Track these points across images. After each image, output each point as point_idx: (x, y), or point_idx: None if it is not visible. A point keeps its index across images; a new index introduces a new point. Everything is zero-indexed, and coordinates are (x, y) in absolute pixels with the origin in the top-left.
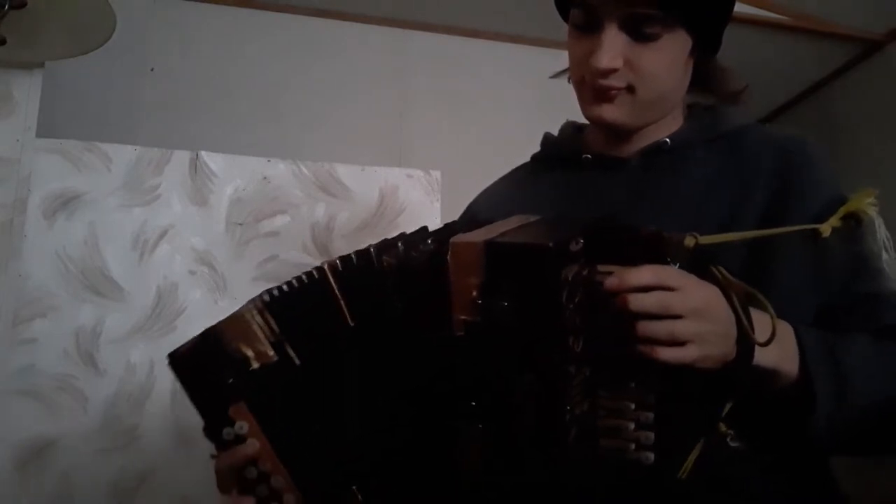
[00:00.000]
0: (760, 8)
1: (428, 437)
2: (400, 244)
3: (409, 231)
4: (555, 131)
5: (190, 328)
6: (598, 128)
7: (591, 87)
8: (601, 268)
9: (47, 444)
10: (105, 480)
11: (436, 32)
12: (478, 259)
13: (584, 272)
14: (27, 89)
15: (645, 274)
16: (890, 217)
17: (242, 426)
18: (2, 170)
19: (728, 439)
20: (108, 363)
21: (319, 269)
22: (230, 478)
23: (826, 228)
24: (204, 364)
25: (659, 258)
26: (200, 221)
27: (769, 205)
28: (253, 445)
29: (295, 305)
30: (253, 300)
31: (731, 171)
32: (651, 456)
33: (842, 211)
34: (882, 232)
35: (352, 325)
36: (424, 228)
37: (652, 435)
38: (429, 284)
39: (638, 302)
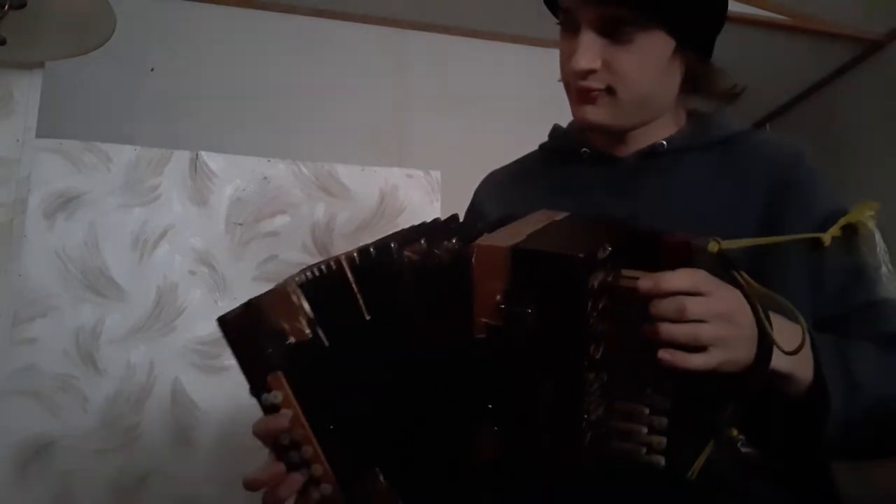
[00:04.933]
0: (760, 8)
1: (445, 433)
2: (423, 241)
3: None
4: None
5: (190, 328)
6: (586, 129)
7: (574, 89)
8: (625, 272)
9: (47, 444)
10: (105, 480)
11: (435, 32)
12: (504, 264)
13: (609, 278)
14: (27, 89)
15: (678, 279)
16: (890, 216)
17: (277, 395)
18: (2, 170)
19: (738, 444)
20: (108, 363)
21: (336, 260)
22: (267, 440)
23: (827, 238)
24: (247, 332)
25: (685, 264)
26: (200, 221)
27: (768, 211)
28: (286, 416)
29: (321, 290)
30: (291, 278)
31: (726, 176)
32: (662, 460)
33: (842, 221)
34: (881, 245)
35: (368, 318)
36: (453, 218)
37: (664, 440)
38: (451, 284)
39: (662, 306)
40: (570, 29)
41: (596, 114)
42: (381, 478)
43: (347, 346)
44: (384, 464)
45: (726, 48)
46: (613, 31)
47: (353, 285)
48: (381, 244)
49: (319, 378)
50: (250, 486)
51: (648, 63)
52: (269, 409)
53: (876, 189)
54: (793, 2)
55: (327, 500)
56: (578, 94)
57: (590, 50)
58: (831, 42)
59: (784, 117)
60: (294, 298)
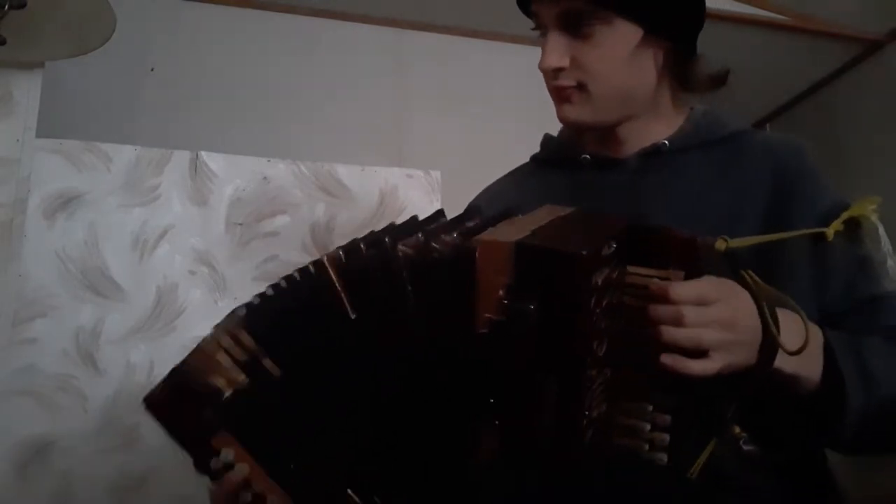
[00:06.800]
0: (760, 8)
1: (440, 430)
2: (420, 235)
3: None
4: (554, 132)
5: (190, 328)
6: (572, 129)
7: (550, 89)
8: (631, 269)
9: (47, 444)
10: (105, 480)
11: (435, 32)
12: (507, 259)
13: (614, 275)
14: (27, 89)
15: (685, 291)
16: (891, 216)
17: (228, 454)
18: (2, 170)
19: (741, 442)
20: (108, 363)
21: (317, 262)
22: None
23: (830, 232)
24: (178, 403)
25: (691, 262)
26: (200, 221)
27: (771, 207)
28: (242, 470)
29: (280, 310)
30: (224, 319)
31: (728, 175)
32: (665, 457)
33: (845, 215)
34: (885, 238)
35: (353, 317)
36: (440, 213)
37: (667, 437)
38: (451, 279)
39: (662, 311)
40: (541, 31)
41: (574, 112)
42: (356, 497)
43: (319, 358)
44: (356, 483)
45: (727, 49)
46: (575, 27)
47: (337, 285)
48: (374, 239)
49: (269, 419)
50: None
51: (614, 55)
52: (223, 471)
53: (876, 189)
54: (793, 2)
55: None
56: (555, 93)
57: (556, 49)
58: (831, 42)
59: (784, 117)
60: (222, 345)
